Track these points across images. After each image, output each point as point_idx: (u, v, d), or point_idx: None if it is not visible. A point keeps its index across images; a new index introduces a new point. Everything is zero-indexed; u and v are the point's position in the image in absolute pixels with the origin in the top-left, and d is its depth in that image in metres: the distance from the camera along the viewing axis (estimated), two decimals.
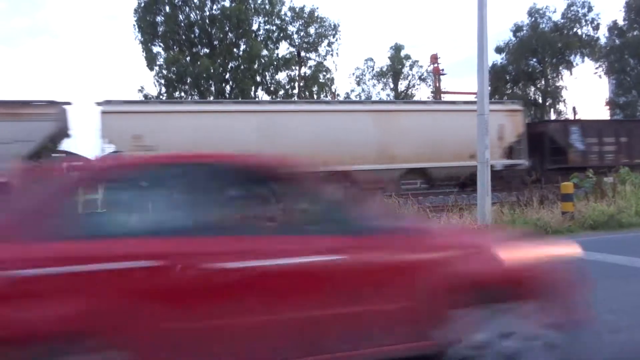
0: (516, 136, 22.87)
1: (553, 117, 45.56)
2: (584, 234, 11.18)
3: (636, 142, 25.01)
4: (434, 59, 50.18)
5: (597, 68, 46.53)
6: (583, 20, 45.29)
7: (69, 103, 18.28)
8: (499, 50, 47.20)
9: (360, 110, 21.92)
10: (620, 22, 44.63)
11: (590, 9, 44.99)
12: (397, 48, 52.07)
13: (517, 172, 22.00)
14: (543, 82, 47.11)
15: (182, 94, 35.16)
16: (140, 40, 35.32)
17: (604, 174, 17.91)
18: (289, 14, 38.26)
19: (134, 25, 35.23)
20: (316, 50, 39.85)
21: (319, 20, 39.37)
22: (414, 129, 20.78)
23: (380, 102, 36.28)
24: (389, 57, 52.46)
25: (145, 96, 35.68)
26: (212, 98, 33.30)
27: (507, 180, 20.72)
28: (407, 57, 52.46)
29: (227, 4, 35.22)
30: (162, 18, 34.96)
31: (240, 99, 31.68)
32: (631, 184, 14.57)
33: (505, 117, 22.32)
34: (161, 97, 34.85)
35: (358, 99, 49.03)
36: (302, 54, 39.36)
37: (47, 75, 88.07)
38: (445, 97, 46.65)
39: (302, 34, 39.06)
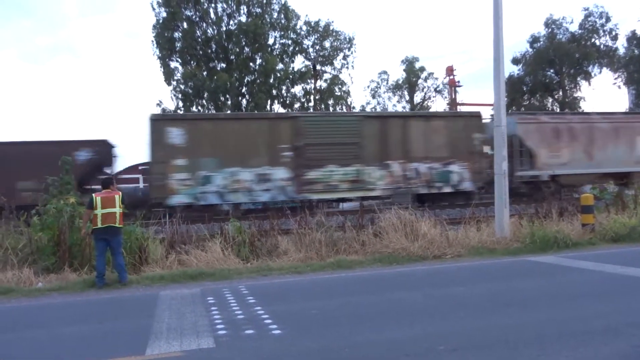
0: None
1: None
2: (606, 247, 10.98)
3: None
4: (450, 70, 50.15)
5: (616, 78, 46.01)
6: (601, 31, 44.88)
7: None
8: (515, 61, 46.96)
9: None
10: (639, 32, 44.11)
11: (608, 19, 44.63)
12: (410, 61, 52.10)
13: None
14: (561, 93, 46.65)
15: (199, 108, 35.53)
16: (159, 56, 35.86)
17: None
18: (304, 28, 38.58)
19: (152, 41, 35.84)
20: (332, 64, 40.05)
21: (334, 33, 39.61)
22: None
23: None
24: (404, 70, 52.53)
25: (164, 110, 36.17)
26: (228, 111, 33.61)
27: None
28: (422, 69, 52.47)
29: (243, 19, 35.67)
30: (180, 34, 35.49)
31: None
32: None
33: None
34: (179, 111, 35.28)
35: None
36: (318, 67, 39.57)
37: (68, 91, 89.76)
38: (461, 109, 46.48)
39: (317, 47, 39.32)
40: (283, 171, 18.40)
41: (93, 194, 8.81)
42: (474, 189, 20.37)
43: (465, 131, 20.60)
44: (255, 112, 32.94)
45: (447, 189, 20.12)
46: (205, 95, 35.00)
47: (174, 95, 36.14)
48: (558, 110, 43.94)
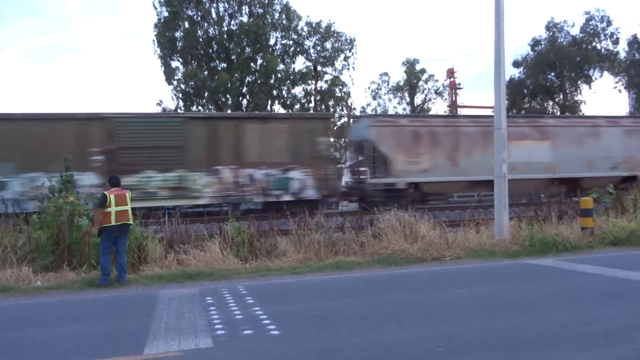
0: None
1: None
2: (605, 250, 10.97)
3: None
4: (451, 73, 50.22)
5: (616, 82, 46.09)
6: (602, 35, 44.97)
7: None
8: (516, 64, 47.03)
9: None
10: None
11: (609, 23, 44.71)
12: (412, 63, 52.16)
13: None
14: (561, 96, 46.67)
15: (200, 107, 35.53)
16: (160, 55, 35.88)
17: None
18: (305, 28, 38.60)
19: (154, 40, 35.84)
20: (332, 65, 40.06)
21: (335, 34, 39.62)
22: None
23: None
24: (404, 72, 52.59)
25: (164, 109, 36.18)
26: (229, 111, 33.62)
27: None
28: (423, 71, 52.53)
29: (245, 19, 35.68)
30: (181, 33, 35.49)
31: None
32: None
33: None
34: (179, 110, 35.27)
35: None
36: (319, 68, 39.57)
37: (70, 90, 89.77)
38: (462, 111, 46.55)
39: (318, 48, 39.33)
40: (92, 177, 16.78)
41: (105, 192, 8.76)
42: (319, 197, 18.66)
43: (310, 135, 19.00)
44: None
45: (287, 197, 18.43)
46: (206, 95, 35.01)
47: (175, 95, 36.18)
48: (558, 113, 43.95)
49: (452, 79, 50.15)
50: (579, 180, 22.00)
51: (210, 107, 35.14)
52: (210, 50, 36.10)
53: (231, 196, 18.15)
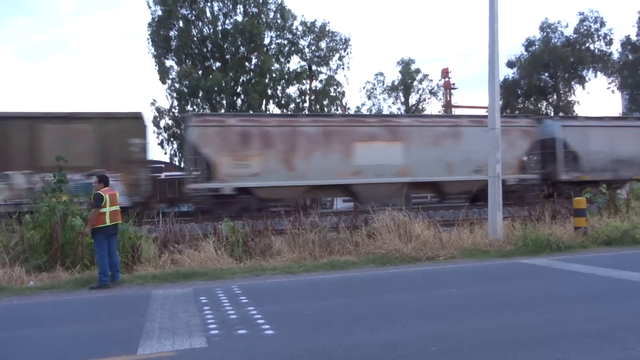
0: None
1: None
2: (598, 250, 11.04)
3: None
4: (445, 73, 50.34)
5: (610, 83, 46.27)
6: (595, 35, 45.14)
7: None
8: (510, 64, 47.18)
9: None
10: (634, 38, 44.38)
11: (602, 24, 44.90)
12: (406, 63, 52.23)
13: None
14: (555, 96, 46.88)
15: (194, 107, 35.45)
16: (154, 54, 35.76)
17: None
18: (300, 28, 38.56)
19: (148, 39, 35.72)
20: (327, 64, 40.04)
21: (330, 34, 39.60)
22: None
23: None
24: (399, 71, 52.68)
25: (158, 109, 36.09)
26: (223, 111, 33.58)
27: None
28: (417, 70, 52.63)
29: (239, 18, 35.61)
30: (176, 32, 35.39)
31: None
32: None
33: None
34: (173, 109, 35.18)
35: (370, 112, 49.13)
36: (313, 67, 39.55)
37: (64, 89, 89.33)
38: (457, 111, 46.69)
39: (313, 48, 39.30)
40: None
41: (100, 192, 8.69)
42: (129, 204, 16.57)
43: (121, 136, 17.46)
44: (250, 111, 32.90)
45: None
46: (200, 95, 34.91)
47: (169, 94, 36.10)
48: (552, 114, 44.17)
49: (446, 79, 50.29)
50: (438, 185, 20.73)
51: (204, 106, 35.08)
52: (205, 50, 36.02)
53: (23, 204, 15.80)
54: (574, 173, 22.24)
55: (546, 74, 46.53)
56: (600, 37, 45.12)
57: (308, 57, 39.18)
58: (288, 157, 18.80)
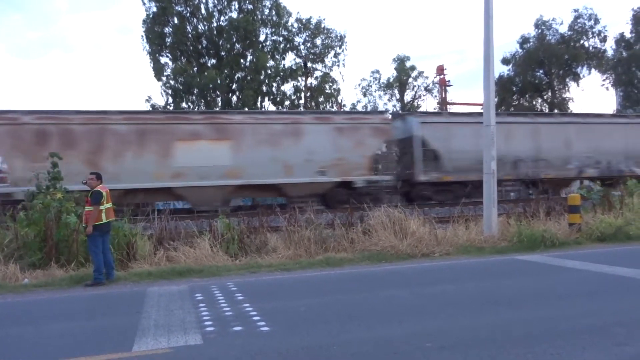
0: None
1: None
2: (592, 246, 11.09)
3: None
4: (440, 70, 50.34)
5: (604, 80, 46.51)
6: (590, 33, 45.30)
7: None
8: (505, 61, 47.29)
9: None
10: (628, 35, 44.60)
11: (597, 21, 45.05)
12: (402, 60, 52.24)
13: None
14: (550, 93, 47.02)
15: (189, 104, 35.35)
16: (149, 51, 35.62)
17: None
18: (295, 25, 38.50)
19: (142, 36, 35.57)
20: (322, 61, 40.01)
21: (325, 31, 39.56)
22: None
23: None
24: (395, 68, 52.68)
25: (153, 106, 35.94)
26: (217, 109, 33.48)
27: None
28: (413, 68, 52.65)
29: (234, 15, 35.50)
30: (170, 29, 35.26)
31: None
32: (639, 196, 14.44)
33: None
34: (168, 106, 35.05)
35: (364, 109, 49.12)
36: (309, 64, 39.51)
37: (60, 86, 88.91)
38: (452, 108, 46.78)
39: (308, 45, 39.25)
40: None
41: (97, 189, 8.61)
42: None
43: None
44: (245, 108, 32.84)
45: None
46: (195, 92, 34.82)
47: (164, 91, 35.97)
48: (547, 110, 44.30)
49: (442, 76, 50.29)
50: (279, 188, 18.96)
51: (199, 103, 34.99)
52: (200, 46, 35.91)
53: None
54: (434, 173, 20.52)
55: (541, 71, 46.67)
56: (595, 34, 45.31)
57: (303, 54, 39.13)
58: (94, 158, 17.00)
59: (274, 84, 36.87)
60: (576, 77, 46.01)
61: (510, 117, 23.35)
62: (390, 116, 22.25)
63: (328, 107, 39.28)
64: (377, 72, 54.60)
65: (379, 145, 20.25)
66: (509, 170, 21.12)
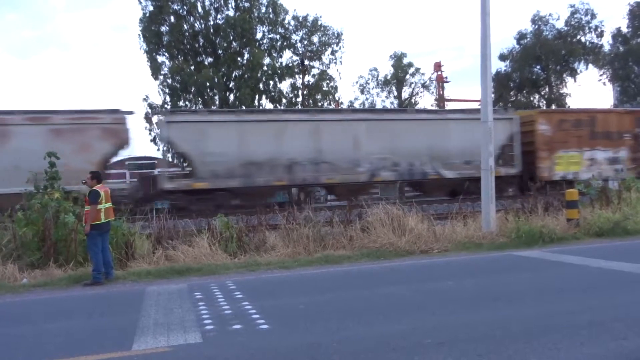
0: None
1: None
2: (590, 241, 11.11)
3: None
4: (438, 66, 50.32)
5: (601, 75, 46.47)
6: (587, 28, 45.30)
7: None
8: (502, 57, 47.26)
9: None
10: (624, 30, 44.57)
11: (593, 16, 45.04)
12: (399, 56, 52.19)
13: None
14: (547, 89, 47.05)
15: (186, 102, 35.25)
16: (145, 50, 35.49)
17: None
18: (292, 22, 38.37)
19: (139, 34, 35.45)
20: (320, 59, 39.89)
21: (322, 28, 39.44)
22: None
23: None
24: (392, 65, 52.62)
25: (150, 105, 35.88)
26: (215, 107, 33.42)
27: None
28: (410, 64, 52.61)
29: (231, 13, 35.40)
30: (167, 28, 35.14)
31: None
32: (636, 190, 14.47)
33: None
34: (166, 105, 34.96)
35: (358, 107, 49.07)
36: (306, 62, 39.42)
37: (56, 85, 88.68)
38: (449, 105, 46.79)
39: (305, 42, 39.14)
40: None
41: (95, 188, 8.60)
42: None
43: None
44: (243, 107, 32.80)
45: None
46: (193, 90, 34.74)
47: (161, 90, 35.87)
48: (545, 106, 44.30)
49: (439, 73, 50.26)
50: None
51: (197, 102, 34.92)
52: (197, 45, 35.80)
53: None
54: (183, 180, 17.87)
55: (538, 67, 46.65)
56: (592, 30, 45.30)
57: (300, 52, 39.06)
58: None
59: (271, 82, 36.79)
60: (573, 73, 46.01)
61: (286, 115, 20.68)
62: (125, 116, 18.01)
63: (325, 104, 39.21)
64: (375, 69, 54.58)
65: (109, 149, 17.28)
66: (280, 174, 18.25)
